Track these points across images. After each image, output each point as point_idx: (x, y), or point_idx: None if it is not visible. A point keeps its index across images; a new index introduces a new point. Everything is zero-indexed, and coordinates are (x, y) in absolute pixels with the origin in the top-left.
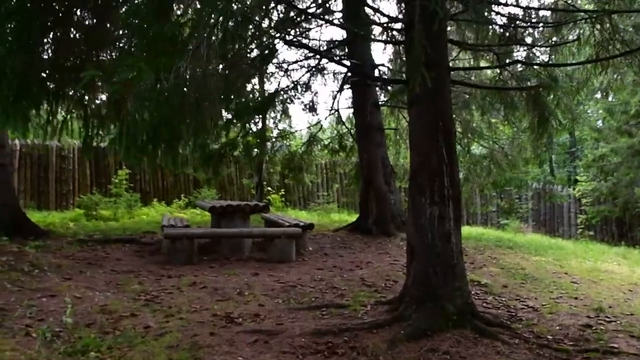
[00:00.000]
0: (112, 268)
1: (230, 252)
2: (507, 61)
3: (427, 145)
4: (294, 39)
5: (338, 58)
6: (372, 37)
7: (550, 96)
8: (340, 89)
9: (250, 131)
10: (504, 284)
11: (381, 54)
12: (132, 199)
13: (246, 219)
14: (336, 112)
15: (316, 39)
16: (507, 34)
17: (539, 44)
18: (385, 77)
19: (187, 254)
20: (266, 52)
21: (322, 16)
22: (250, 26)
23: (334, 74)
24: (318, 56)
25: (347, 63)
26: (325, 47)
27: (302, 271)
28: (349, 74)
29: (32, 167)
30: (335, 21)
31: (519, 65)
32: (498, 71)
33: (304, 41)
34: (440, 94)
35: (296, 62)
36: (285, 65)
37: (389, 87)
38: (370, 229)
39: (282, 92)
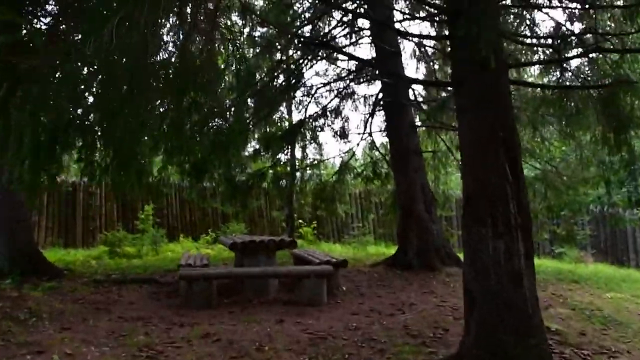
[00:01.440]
0: (120, 314)
1: (254, 294)
2: (574, 51)
3: (485, 163)
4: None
5: (370, 75)
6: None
7: (628, 98)
8: (373, 112)
9: (279, 161)
10: (581, 331)
11: (414, 72)
12: (158, 234)
13: (271, 256)
14: (369, 137)
15: (345, 60)
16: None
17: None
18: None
19: (205, 297)
20: (292, 79)
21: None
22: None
23: (365, 97)
24: (350, 76)
25: (379, 82)
26: (354, 68)
27: (334, 317)
28: (380, 94)
29: (60, 204)
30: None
31: (585, 62)
32: (558, 73)
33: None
34: (499, 97)
35: (327, 83)
36: (313, 91)
37: (424, 107)
38: (410, 263)
39: (310, 120)
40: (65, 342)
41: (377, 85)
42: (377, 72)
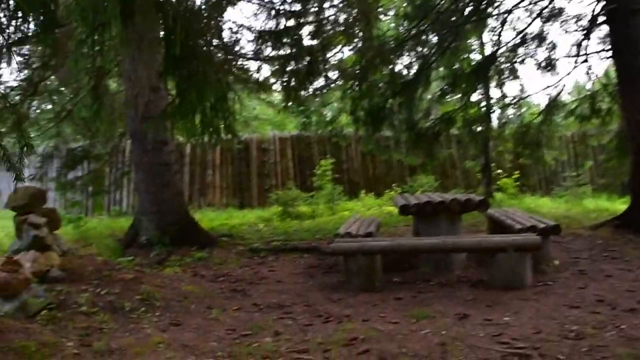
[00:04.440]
0: (257, 299)
1: (432, 271)
2: None
3: None
4: None
5: None
6: None
7: None
8: (589, 31)
9: (470, 102)
10: None
11: None
12: (336, 191)
13: (455, 221)
14: (584, 63)
15: None
16: None
17: None
18: None
19: (366, 276)
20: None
21: None
22: None
23: (578, 18)
24: None
25: None
26: None
27: (542, 311)
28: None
29: (233, 163)
30: None
31: None
32: None
33: None
34: None
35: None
36: (507, 15)
37: None
38: None
39: (507, 50)
40: (158, 349)
41: None
42: None
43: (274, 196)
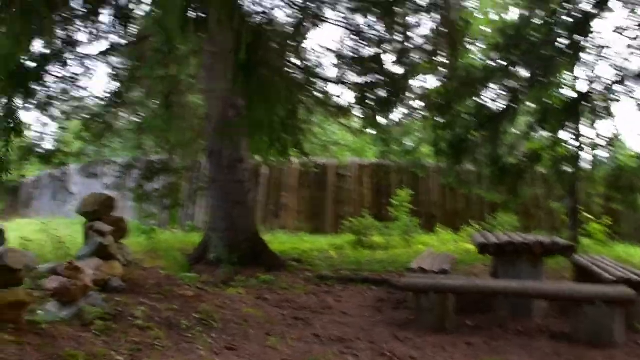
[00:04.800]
0: (319, 330)
1: (509, 316)
2: None
3: None
4: None
5: None
6: None
7: None
8: None
9: (559, 140)
10: None
11: None
12: (412, 223)
13: (537, 265)
14: None
15: None
16: None
17: None
18: None
19: (437, 316)
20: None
21: None
22: None
23: None
24: None
25: None
26: None
27: None
28: None
29: (309, 187)
30: None
31: None
32: None
33: None
34: None
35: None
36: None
37: None
38: None
39: (602, 86)
40: None
41: None
42: None
43: (348, 223)
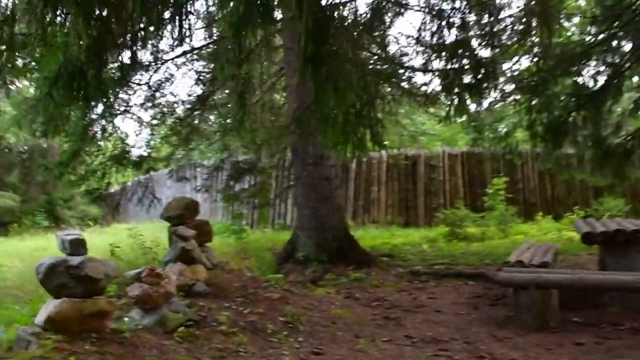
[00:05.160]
0: (411, 331)
1: (621, 312)
2: None
3: None
4: None
5: None
6: None
7: None
8: None
9: None
10: None
11: None
12: (508, 213)
13: None
14: None
15: None
16: None
17: None
18: None
19: (539, 313)
20: None
21: None
22: None
23: None
24: None
25: None
26: None
27: None
28: None
29: (399, 179)
30: None
31: None
32: None
33: None
34: None
35: None
36: None
37: None
38: None
39: None
40: None
41: None
42: None
43: (441, 215)
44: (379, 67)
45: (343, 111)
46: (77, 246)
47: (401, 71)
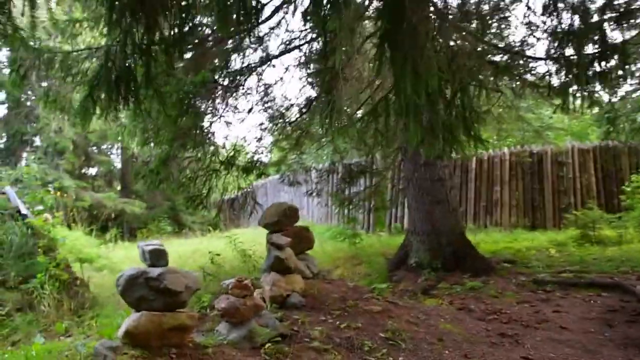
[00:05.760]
0: (530, 351)
1: None
2: None
3: None
4: None
5: None
6: None
7: None
8: None
9: None
10: None
11: None
12: None
13: None
14: None
15: None
16: None
17: None
18: None
19: None
20: None
21: None
22: None
23: None
24: None
25: None
26: None
27: None
28: None
29: (524, 178)
30: None
31: None
32: None
33: None
34: None
35: None
36: None
37: None
38: None
39: None
40: None
41: None
42: None
43: (571, 217)
44: (495, 58)
45: (427, 101)
46: (157, 257)
47: (521, 62)
